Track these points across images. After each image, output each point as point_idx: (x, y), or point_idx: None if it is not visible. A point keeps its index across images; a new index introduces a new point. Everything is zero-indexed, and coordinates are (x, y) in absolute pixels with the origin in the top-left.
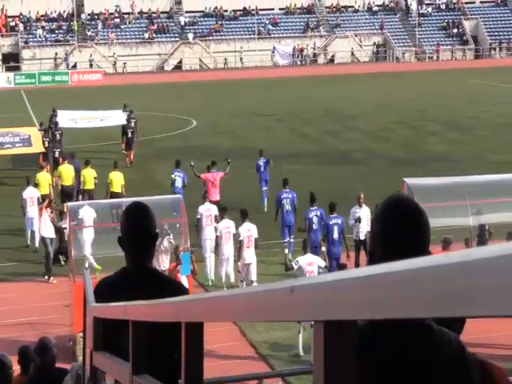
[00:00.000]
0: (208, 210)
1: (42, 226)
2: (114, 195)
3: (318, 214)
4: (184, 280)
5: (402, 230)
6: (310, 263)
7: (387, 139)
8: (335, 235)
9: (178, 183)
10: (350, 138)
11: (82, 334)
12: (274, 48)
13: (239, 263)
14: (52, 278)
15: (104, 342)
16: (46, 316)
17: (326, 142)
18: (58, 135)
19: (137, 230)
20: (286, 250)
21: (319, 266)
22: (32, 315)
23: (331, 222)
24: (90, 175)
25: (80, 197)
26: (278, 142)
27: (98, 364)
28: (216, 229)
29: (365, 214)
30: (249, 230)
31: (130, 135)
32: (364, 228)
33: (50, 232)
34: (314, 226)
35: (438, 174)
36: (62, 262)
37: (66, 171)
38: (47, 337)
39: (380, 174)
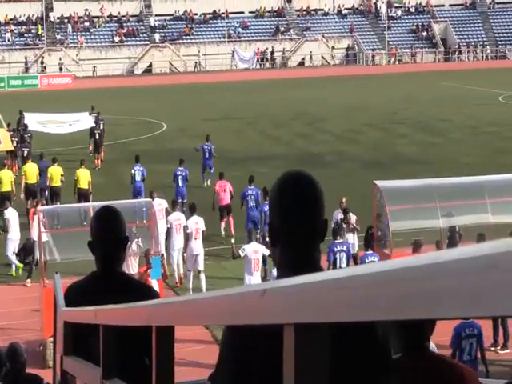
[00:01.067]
0: (159, 205)
1: (34, 229)
2: (80, 191)
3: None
4: (154, 284)
5: (300, 204)
6: (256, 251)
7: (357, 141)
8: None
9: (138, 177)
10: (321, 140)
11: (52, 339)
12: (233, 51)
13: (184, 254)
14: (29, 279)
15: (74, 346)
16: (15, 321)
17: (297, 145)
18: (27, 137)
19: (106, 234)
20: (233, 240)
21: (264, 255)
22: (1, 320)
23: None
24: (56, 173)
25: (46, 193)
26: (249, 145)
27: (68, 368)
28: (167, 221)
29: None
30: (197, 223)
31: (97, 137)
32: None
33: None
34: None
35: (409, 176)
36: (33, 266)
37: (31, 169)
38: (17, 342)
39: (350, 176)
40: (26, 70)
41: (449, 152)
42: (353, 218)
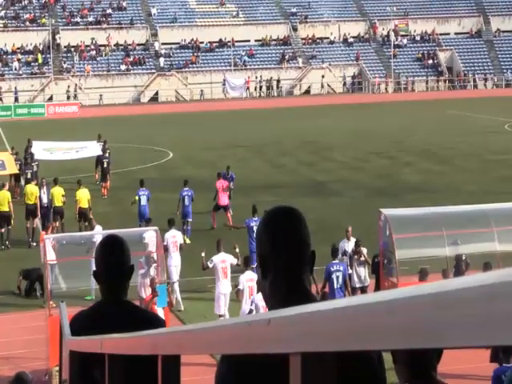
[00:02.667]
0: (173, 237)
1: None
2: (81, 210)
3: None
4: (160, 312)
5: (290, 235)
6: (223, 261)
7: (363, 170)
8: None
9: (143, 201)
10: (326, 168)
11: (58, 368)
12: (224, 80)
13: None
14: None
15: (80, 375)
16: (21, 350)
17: (302, 173)
18: (34, 166)
19: (112, 264)
20: (203, 254)
21: (231, 264)
22: (7, 349)
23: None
24: (58, 193)
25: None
26: (254, 173)
27: None
28: (143, 238)
29: (353, 247)
30: (174, 237)
31: (105, 165)
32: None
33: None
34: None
35: (415, 204)
36: (38, 294)
37: (31, 191)
38: (24, 371)
39: (356, 204)
40: (16, 99)
41: (454, 180)
42: (364, 250)
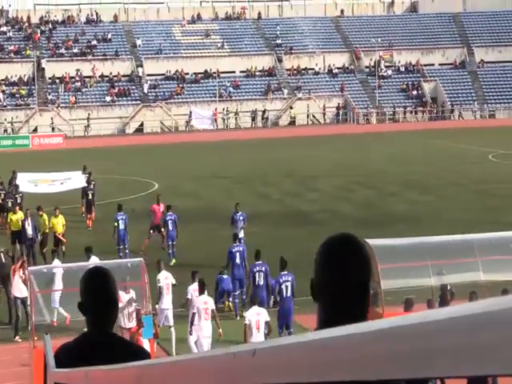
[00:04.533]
0: (166, 278)
1: (15, 286)
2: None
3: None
4: (146, 343)
5: (343, 265)
6: (166, 277)
7: (348, 200)
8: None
9: (121, 225)
10: (311, 199)
11: None
12: (190, 112)
13: None
14: (17, 336)
15: None
16: (5, 383)
17: (287, 203)
18: (18, 198)
19: (97, 296)
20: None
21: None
22: None
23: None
24: (46, 220)
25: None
26: (239, 203)
27: None
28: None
29: None
30: (166, 278)
31: (90, 197)
32: None
33: (22, 292)
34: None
35: (400, 234)
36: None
37: (16, 218)
38: None
39: None
40: (5, 131)
41: (439, 210)
42: None
